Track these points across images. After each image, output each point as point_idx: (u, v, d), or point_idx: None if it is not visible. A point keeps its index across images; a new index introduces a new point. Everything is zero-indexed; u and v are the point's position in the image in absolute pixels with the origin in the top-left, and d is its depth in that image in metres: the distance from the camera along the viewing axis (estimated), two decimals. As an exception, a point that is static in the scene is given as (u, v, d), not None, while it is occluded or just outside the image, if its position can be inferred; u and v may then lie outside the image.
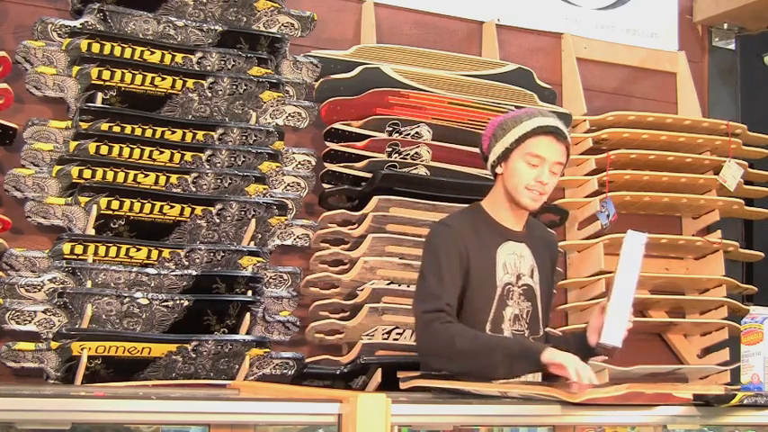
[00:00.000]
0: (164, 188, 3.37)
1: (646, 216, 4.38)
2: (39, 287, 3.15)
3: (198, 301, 3.30)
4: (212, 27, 3.54)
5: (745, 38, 4.77)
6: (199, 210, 3.39)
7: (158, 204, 3.33)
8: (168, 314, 3.27)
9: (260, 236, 3.49)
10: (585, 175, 4.18)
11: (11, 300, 3.12)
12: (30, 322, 3.10)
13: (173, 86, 3.44)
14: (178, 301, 3.27)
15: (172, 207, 3.35)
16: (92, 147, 3.28)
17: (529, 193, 2.81)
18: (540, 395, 2.22)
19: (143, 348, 3.17)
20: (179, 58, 3.46)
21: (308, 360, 3.51)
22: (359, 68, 3.78)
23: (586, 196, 4.17)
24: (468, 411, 2.15)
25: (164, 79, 3.41)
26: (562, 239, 4.16)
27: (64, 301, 3.12)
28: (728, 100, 4.71)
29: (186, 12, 3.52)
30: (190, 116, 3.48)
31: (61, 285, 3.15)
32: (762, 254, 4.47)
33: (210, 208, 3.40)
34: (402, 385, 2.81)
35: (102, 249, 3.24)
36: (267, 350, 3.36)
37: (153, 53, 3.41)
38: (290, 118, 3.64)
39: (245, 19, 3.61)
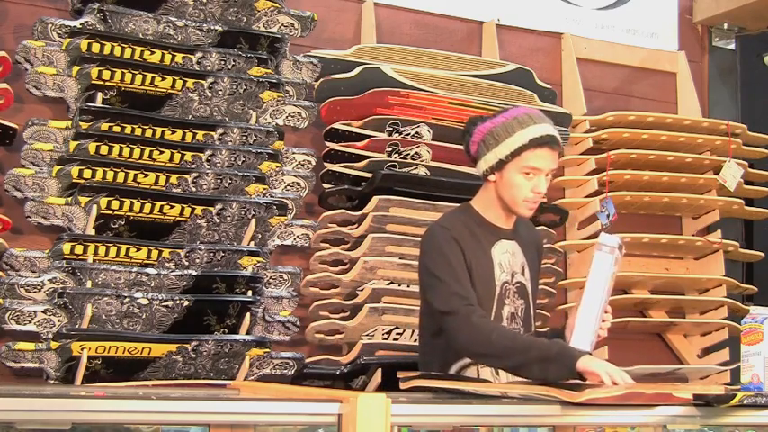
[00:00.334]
0: (164, 188, 3.37)
1: (646, 216, 4.38)
2: (39, 287, 3.15)
3: (198, 301, 3.30)
4: (212, 27, 3.54)
5: (745, 38, 4.77)
6: (199, 210, 3.39)
7: (158, 204, 3.33)
8: (168, 314, 3.27)
9: (260, 236, 3.49)
10: (585, 175, 4.18)
11: (11, 300, 3.12)
12: (30, 322, 3.10)
13: (173, 86, 3.44)
14: (178, 301, 3.27)
15: (172, 207, 3.35)
16: (92, 147, 3.28)
17: (526, 204, 2.81)
18: (540, 395, 2.22)
19: (143, 348, 3.17)
20: (179, 58, 3.46)
21: (308, 360, 3.51)
22: (359, 68, 3.78)
23: (586, 196, 4.17)
24: (468, 411, 2.15)
25: (164, 79, 3.41)
26: (562, 239, 4.16)
27: (64, 301, 3.12)
28: (728, 100, 4.72)
29: (186, 12, 3.52)
30: (190, 116, 3.48)
31: (61, 285, 3.15)
32: (762, 254, 4.47)
33: (210, 208, 3.40)
34: (402, 385, 2.80)
35: (102, 249, 3.24)
36: (267, 350, 3.36)
37: (153, 53, 3.41)
38: (290, 118, 3.64)
39: (245, 19, 3.61)
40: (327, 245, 3.65)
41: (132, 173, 3.32)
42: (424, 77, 3.90)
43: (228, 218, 3.43)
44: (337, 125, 3.71)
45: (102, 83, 3.33)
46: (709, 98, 4.69)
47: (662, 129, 4.27)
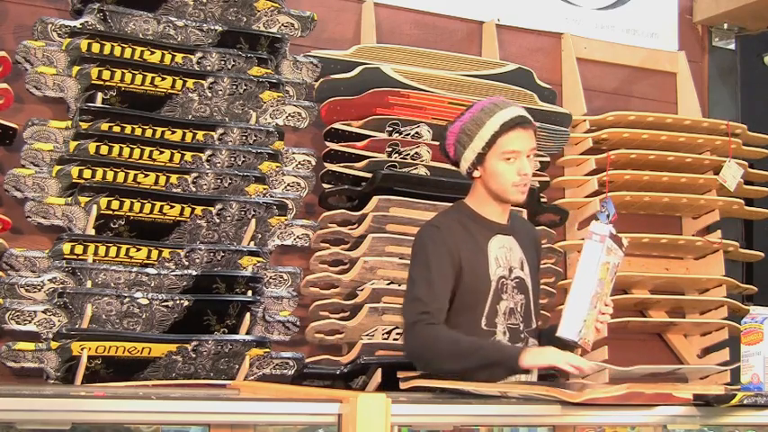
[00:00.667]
0: (164, 188, 3.37)
1: (646, 216, 4.38)
2: (39, 287, 3.15)
3: (198, 301, 3.30)
4: (212, 27, 3.54)
5: (745, 38, 4.77)
6: (199, 210, 3.39)
7: (158, 204, 3.33)
8: (168, 314, 3.27)
9: (260, 236, 3.49)
10: (585, 175, 4.18)
11: (11, 300, 3.12)
12: (30, 322, 3.10)
13: (173, 86, 3.44)
14: (178, 301, 3.27)
15: (172, 207, 3.35)
16: (92, 147, 3.28)
17: (516, 189, 2.82)
18: (540, 395, 2.22)
19: (143, 348, 3.17)
20: (179, 58, 3.46)
21: (308, 360, 3.51)
22: (359, 68, 3.78)
23: (586, 196, 4.17)
24: (468, 411, 2.15)
25: (164, 79, 3.41)
26: (562, 239, 4.16)
27: (64, 301, 3.12)
28: (728, 100, 4.71)
29: (186, 12, 3.52)
30: (190, 116, 3.48)
31: (61, 285, 3.15)
32: (762, 254, 4.47)
33: (210, 208, 3.40)
34: (402, 385, 2.81)
35: (102, 249, 3.24)
36: (267, 350, 3.36)
37: (153, 53, 3.41)
38: (290, 118, 3.64)
39: (245, 19, 3.61)
40: (327, 245, 3.65)
41: (132, 173, 3.32)
42: (424, 77, 3.90)
43: (228, 218, 3.43)
44: (337, 125, 3.71)
45: (102, 83, 3.33)
46: (709, 98, 4.69)
47: (662, 129, 4.27)
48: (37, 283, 3.14)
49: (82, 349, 3.07)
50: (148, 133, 3.38)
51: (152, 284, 3.26)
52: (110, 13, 3.37)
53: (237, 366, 3.32)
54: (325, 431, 2.34)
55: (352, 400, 1.89)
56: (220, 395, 2.46)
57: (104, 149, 3.30)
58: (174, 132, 3.42)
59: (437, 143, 3.81)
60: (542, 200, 4.01)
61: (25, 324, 3.10)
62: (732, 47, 4.77)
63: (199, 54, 3.49)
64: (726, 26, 4.71)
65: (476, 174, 2.86)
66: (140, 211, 3.31)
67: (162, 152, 3.38)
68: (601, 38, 4.48)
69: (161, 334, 3.24)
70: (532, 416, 2.20)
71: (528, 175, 2.82)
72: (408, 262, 3.57)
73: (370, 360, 3.50)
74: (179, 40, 3.49)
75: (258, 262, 3.44)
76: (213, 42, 3.54)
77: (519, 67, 4.13)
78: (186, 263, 3.36)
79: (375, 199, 3.64)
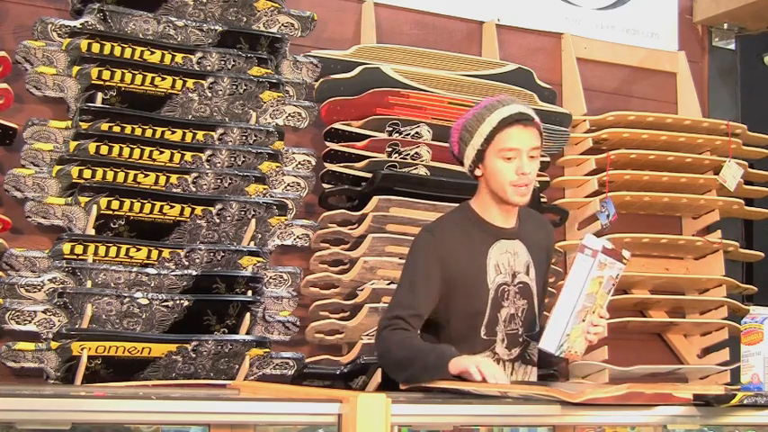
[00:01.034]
0: (164, 188, 3.37)
1: (646, 216, 4.38)
2: (39, 287, 3.15)
3: (198, 301, 3.30)
4: (212, 27, 3.54)
5: (745, 38, 4.77)
6: (199, 210, 3.39)
7: (158, 204, 3.33)
8: (168, 314, 3.27)
9: (260, 236, 3.49)
10: (585, 175, 4.18)
11: (11, 300, 3.12)
12: (30, 322, 3.10)
13: (173, 86, 3.44)
14: (178, 301, 3.27)
15: (172, 207, 3.35)
16: (92, 147, 3.28)
17: (515, 189, 2.72)
18: (540, 395, 2.21)
19: (143, 348, 3.17)
20: (179, 58, 3.46)
21: (308, 360, 3.51)
22: (359, 68, 3.78)
23: (586, 196, 4.17)
24: (468, 411, 2.14)
25: (164, 79, 3.41)
26: (562, 239, 4.16)
27: (64, 301, 3.12)
28: (728, 100, 4.72)
29: (186, 12, 3.52)
30: (190, 116, 3.48)
31: (61, 285, 3.15)
32: (762, 254, 4.47)
33: (210, 208, 3.40)
34: (402, 385, 2.80)
35: (102, 249, 3.24)
36: (267, 350, 3.36)
37: (153, 53, 3.41)
38: (290, 118, 3.64)
39: (245, 19, 3.62)
40: (327, 245, 3.65)
41: (132, 173, 3.32)
42: (424, 77, 3.90)
43: (228, 218, 3.43)
44: (337, 125, 3.71)
45: (102, 83, 3.33)
46: (709, 98, 4.69)
47: (662, 129, 4.27)
48: (37, 283, 3.15)
49: (82, 349, 3.07)
50: (148, 133, 3.38)
51: (152, 284, 3.26)
52: (110, 13, 3.37)
53: (237, 366, 3.32)
54: (325, 431, 2.34)
55: (352, 400, 1.89)
56: (220, 395, 2.46)
57: (104, 149, 3.30)
58: (174, 132, 3.42)
59: (437, 143, 3.82)
60: (542, 200, 4.00)
61: (25, 324, 3.10)
62: (732, 47, 4.77)
63: (199, 54, 3.49)
64: (726, 26, 4.71)
65: (477, 172, 2.79)
66: (140, 211, 3.31)
67: (162, 152, 3.39)
68: (601, 38, 4.48)
69: (161, 334, 3.24)
70: (532, 416, 2.20)
71: (527, 175, 2.72)
72: (407, 262, 3.60)
73: (370, 360, 3.50)
74: (179, 40, 3.49)
75: (258, 262, 3.44)
76: (213, 42, 3.54)
77: (519, 67, 4.13)
78: (186, 263, 3.36)
79: (375, 199, 3.64)
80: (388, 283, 3.60)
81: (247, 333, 3.36)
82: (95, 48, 3.33)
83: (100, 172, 3.28)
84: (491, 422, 2.44)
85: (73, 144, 3.27)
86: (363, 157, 3.71)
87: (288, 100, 3.64)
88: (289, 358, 3.43)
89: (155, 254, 3.32)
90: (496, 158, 2.73)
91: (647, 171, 4.19)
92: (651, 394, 2.19)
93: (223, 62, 3.53)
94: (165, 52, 3.43)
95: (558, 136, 4.12)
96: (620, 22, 4.54)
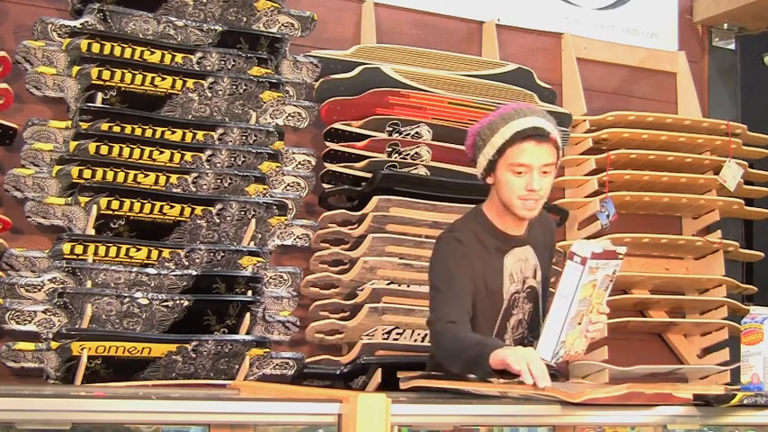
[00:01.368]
0: (164, 188, 3.37)
1: (646, 216, 4.38)
2: (39, 287, 3.15)
3: (198, 301, 3.30)
4: (212, 27, 3.54)
5: (745, 38, 4.77)
6: (199, 210, 3.39)
7: (158, 204, 3.33)
8: (168, 314, 3.27)
9: (260, 236, 3.49)
10: (585, 175, 4.18)
11: (11, 300, 3.12)
12: (30, 322, 3.10)
13: (173, 86, 3.44)
14: (178, 301, 3.27)
15: (172, 207, 3.35)
16: (92, 147, 3.28)
17: (522, 203, 2.68)
18: (540, 395, 2.22)
19: (143, 348, 3.17)
20: (179, 58, 3.46)
21: (308, 360, 3.51)
22: (359, 68, 3.78)
23: (586, 196, 4.17)
24: (468, 411, 2.14)
25: (164, 79, 3.41)
26: (562, 239, 4.15)
27: (64, 301, 3.12)
28: (728, 100, 4.72)
29: (186, 12, 3.52)
30: (190, 116, 3.48)
31: (61, 285, 3.15)
32: (762, 254, 4.47)
33: (210, 208, 3.40)
34: (402, 385, 2.80)
35: (102, 249, 3.24)
36: (267, 350, 3.36)
37: (153, 53, 3.41)
38: (290, 118, 3.64)
39: (245, 19, 3.62)
40: (327, 245, 3.65)
41: (132, 173, 3.32)
42: (424, 77, 3.90)
43: (228, 218, 3.43)
44: (337, 125, 3.71)
45: (102, 83, 3.33)
46: (709, 98, 4.69)
47: (662, 129, 4.27)
48: (37, 283, 3.15)
49: (82, 349, 3.07)
50: (148, 133, 3.38)
51: (152, 284, 3.26)
52: (110, 13, 3.37)
53: (237, 366, 3.32)
54: (325, 431, 2.34)
55: (352, 400, 1.89)
56: (220, 395, 2.46)
57: (104, 149, 3.30)
58: (174, 132, 3.42)
59: (437, 143, 3.83)
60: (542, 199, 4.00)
61: (25, 324, 3.10)
62: (732, 47, 4.77)
63: (199, 54, 3.49)
64: (726, 26, 4.71)
65: (489, 180, 2.75)
66: (140, 211, 3.31)
67: (162, 152, 3.39)
68: (601, 38, 4.48)
69: (161, 334, 3.24)
70: (532, 416, 2.20)
71: (536, 192, 2.66)
72: (408, 262, 3.60)
73: (370, 360, 3.50)
74: (179, 40, 3.49)
75: (258, 262, 3.44)
76: (213, 42, 3.54)
77: (519, 67, 4.13)
78: (186, 263, 3.36)
79: (375, 199, 3.63)
80: (388, 283, 3.60)
81: (247, 333, 3.36)
82: (95, 48, 3.33)
83: (100, 172, 3.28)
84: (491, 422, 2.44)
85: (73, 144, 3.27)
86: (363, 157, 3.70)
87: (288, 100, 3.64)
88: (289, 358, 3.43)
89: (155, 254, 3.31)
90: (506, 171, 2.68)
91: (647, 171, 4.19)
92: (651, 394, 2.19)
93: (223, 62, 3.53)
94: (165, 52, 3.43)
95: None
96: (620, 22, 4.54)
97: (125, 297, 3.18)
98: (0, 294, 3.11)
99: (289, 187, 3.60)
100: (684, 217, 4.48)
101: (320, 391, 2.90)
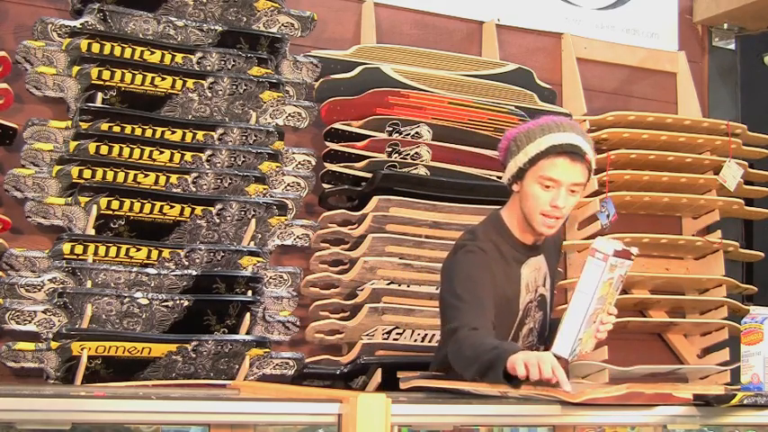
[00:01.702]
0: (164, 188, 3.37)
1: (646, 216, 4.38)
2: (39, 287, 3.15)
3: (198, 301, 3.30)
4: (212, 27, 3.54)
5: (745, 38, 4.77)
6: (199, 210, 3.39)
7: (158, 204, 3.33)
8: (168, 314, 3.27)
9: (260, 236, 3.49)
10: (585, 174, 4.17)
11: (11, 300, 3.12)
12: (30, 322, 3.10)
13: (173, 86, 3.44)
14: (178, 301, 3.27)
15: (172, 207, 3.35)
16: (92, 147, 3.28)
17: (544, 220, 2.65)
18: (540, 395, 2.21)
19: (143, 348, 3.17)
20: (179, 58, 3.46)
21: (308, 360, 3.51)
22: (359, 68, 3.78)
23: (586, 196, 4.16)
24: (468, 411, 2.15)
25: (164, 79, 3.41)
26: (562, 239, 4.15)
27: (64, 301, 3.12)
28: (728, 100, 4.72)
29: (186, 12, 3.52)
30: (190, 116, 3.48)
31: (61, 285, 3.15)
32: (762, 254, 4.47)
33: (210, 208, 3.40)
34: (402, 385, 2.80)
35: (102, 249, 3.24)
36: (267, 350, 3.36)
37: (153, 53, 3.41)
38: (290, 118, 3.64)
39: (245, 19, 3.62)
40: (327, 245, 3.65)
41: (132, 173, 3.32)
42: (424, 77, 3.90)
43: (228, 218, 3.43)
44: (337, 125, 3.71)
45: (102, 83, 3.33)
46: (709, 98, 4.69)
47: (662, 129, 4.27)
48: (37, 283, 3.15)
49: (82, 349, 3.07)
50: (148, 133, 3.38)
51: (152, 284, 3.26)
52: (110, 13, 3.37)
53: (237, 366, 3.32)
54: (325, 431, 2.34)
55: (352, 400, 1.89)
56: (220, 395, 2.46)
57: (104, 149, 3.30)
58: (174, 132, 3.42)
59: (437, 143, 3.83)
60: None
61: (25, 324, 3.10)
62: (732, 47, 4.77)
63: (199, 54, 3.49)
64: (726, 26, 4.71)
65: (514, 188, 2.71)
66: (140, 211, 3.31)
67: (162, 152, 3.39)
68: (601, 38, 4.48)
69: (161, 334, 3.24)
70: (532, 416, 2.20)
71: (560, 209, 2.63)
72: (408, 262, 3.59)
73: (370, 360, 3.50)
74: (179, 40, 3.49)
75: (258, 262, 3.44)
76: (213, 42, 3.54)
77: (519, 67, 4.13)
78: (186, 263, 3.36)
79: (375, 199, 3.63)
80: (389, 283, 3.60)
81: (247, 333, 3.36)
82: (95, 48, 3.33)
83: (100, 172, 3.28)
84: (491, 422, 2.44)
85: (73, 144, 3.27)
86: (363, 157, 3.70)
87: (288, 100, 3.64)
88: (289, 358, 3.43)
89: (155, 254, 3.32)
90: (534, 183, 2.65)
91: (647, 171, 4.19)
92: (651, 394, 2.19)
93: (223, 62, 3.53)
94: (165, 52, 3.43)
95: (558, 136, 4.11)
96: (620, 22, 4.54)
97: (125, 297, 3.18)
98: (0, 294, 3.11)
99: (289, 187, 3.60)
100: (684, 217, 4.48)
101: (320, 391, 2.90)
